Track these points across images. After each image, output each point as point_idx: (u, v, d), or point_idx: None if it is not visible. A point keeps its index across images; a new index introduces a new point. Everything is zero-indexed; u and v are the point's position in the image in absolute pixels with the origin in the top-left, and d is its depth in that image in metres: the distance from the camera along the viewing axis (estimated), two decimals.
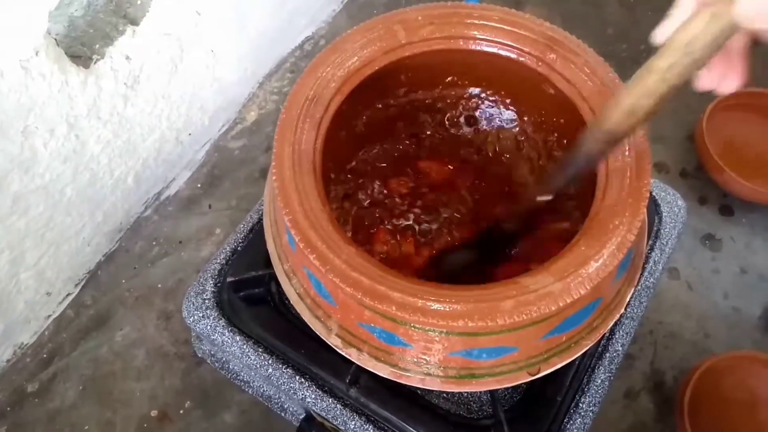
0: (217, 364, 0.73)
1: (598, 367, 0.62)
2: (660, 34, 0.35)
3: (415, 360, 0.47)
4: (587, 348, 0.49)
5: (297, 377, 0.61)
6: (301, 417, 0.69)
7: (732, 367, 0.80)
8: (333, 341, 0.49)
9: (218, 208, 0.97)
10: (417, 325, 0.44)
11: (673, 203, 0.71)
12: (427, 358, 0.47)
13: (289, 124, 0.49)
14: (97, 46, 0.76)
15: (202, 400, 0.83)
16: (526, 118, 0.63)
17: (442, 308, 0.42)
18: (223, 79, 0.97)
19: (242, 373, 0.71)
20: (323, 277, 0.46)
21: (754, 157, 0.99)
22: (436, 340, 0.45)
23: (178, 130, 0.94)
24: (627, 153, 0.48)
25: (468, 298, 0.43)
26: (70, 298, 0.91)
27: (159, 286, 0.91)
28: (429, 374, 0.47)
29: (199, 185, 1.00)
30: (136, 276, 0.92)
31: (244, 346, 0.63)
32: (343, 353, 0.49)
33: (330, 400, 0.60)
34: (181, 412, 0.83)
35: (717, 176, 0.95)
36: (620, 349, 0.63)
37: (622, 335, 0.63)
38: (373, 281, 0.43)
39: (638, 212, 0.46)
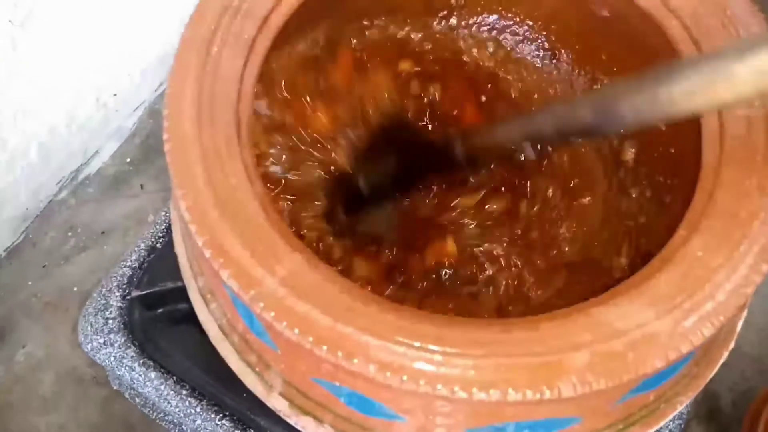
0: (137, 400, 0.56)
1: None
2: None
3: None
4: (683, 406, 0.31)
5: None
6: None
7: None
8: (275, 404, 0.31)
9: (153, 189, 0.80)
10: (413, 393, 0.26)
11: None
12: None
13: (194, 47, 0.30)
14: None
15: None
16: (565, 56, 0.44)
17: (460, 368, 0.23)
18: (158, 23, 0.78)
19: (169, 415, 0.53)
20: (251, 305, 0.27)
21: None
22: (446, 413, 0.27)
23: (98, 89, 0.75)
24: None
25: (506, 347, 0.24)
26: None
27: (75, 289, 0.74)
28: None
29: (128, 160, 0.82)
30: (46, 276, 0.75)
31: (162, 387, 0.46)
32: (292, 423, 0.30)
33: None
34: None
35: None
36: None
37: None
38: (334, 318, 0.24)
39: None
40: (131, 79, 0.79)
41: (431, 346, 0.23)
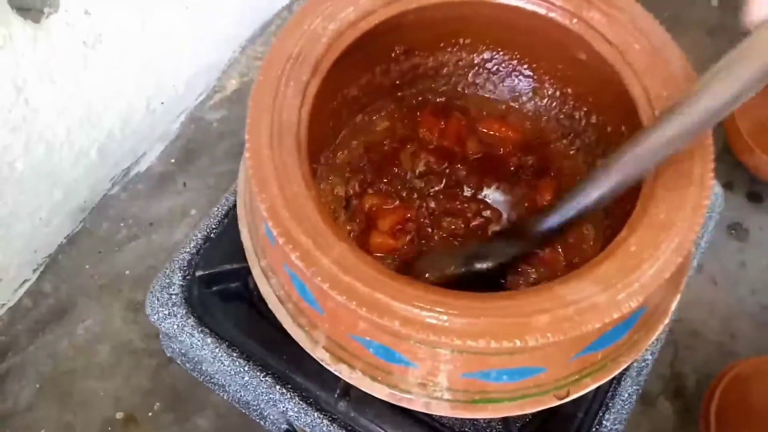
0: (188, 365, 0.65)
1: (625, 379, 0.54)
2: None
3: (420, 381, 0.39)
4: (626, 366, 0.41)
5: (277, 387, 0.53)
6: (283, 428, 0.61)
7: (761, 373, 0.73)
8: (319, 355, 0.40)
9: (194, 186, 0.89)
10: (425, 343, 0.36)
11: None
12: (435, 380, 0.39)
13: (267, 88, 0.40)
14: None
15: (173, 401, 0.75)
16: (550, 92, 0.54)
17: (459, 324, 0.33)
18: (200, 41, 0.88)
19: (217, 376, 0.63)
20: (308, 279, 0.37)
21: None
22: (447, 360, 0.37)
23: (148, 98, 0.85)
24: None
25: (491, 311, 0.34)
26: (27, 285, 0.83)
27: (127, 273, 0.83)
28: (436, 398, 0.39)
29: (172, 161, 0.92)
30: (102, 261, 0.84)
31: (217, 350, 0.55)
32: (331, 370, 0.40)
33: (315, 414, 0.52)
34: (150, 414, 0.75)
35: (746, 159, 0.87)
36: (650, 357, 0.55)
37: (653, 342, 0.55)
38: (371, 288, 0.34)
39: (700, 205, 0.37)
40: (176, 89, 0.89)
41: (438, 308, 0.33)
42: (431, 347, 0.36)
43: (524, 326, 0.34)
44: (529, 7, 0.46)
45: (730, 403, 0.70)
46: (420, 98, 0.55)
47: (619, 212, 0.42)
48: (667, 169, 0.39)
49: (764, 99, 0.90)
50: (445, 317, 0.33)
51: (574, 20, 0.44)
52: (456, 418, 0.53)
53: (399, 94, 0.54)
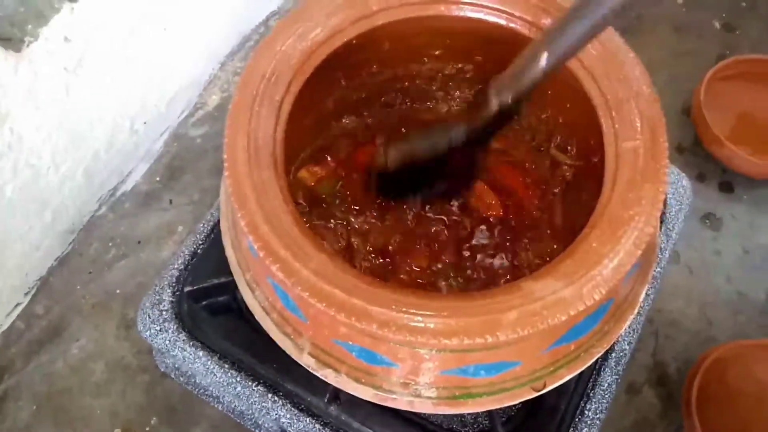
0: (182, 379, 0.66)
1: (604, 369, 0.56)
2: None
3: (402, 381, 0.41)
4: (598, 356, 0.43)
5: (269, 395, 0.55)
6: None
7: (739, 357, 0.75)
8: (305, 361, 0.42)
9: (180, 203, 0.90)
10: (403, 344, 0.38)
11: (678, 184, 0.65)
12: (416, 379, 0.41)
13: (242, 108, 0.42)
14: (30, 26, 0.67)
15: (169, 415, 0.76)
16: None
17: (433, 324, 0.35)
18: (180, 60, 0.89)
19: (210, 388, 0.64)
20: (290, 289, 0.39)
21: (757, 128, 0.93)
22: (426, 359, 0.39)
23: (131, 118, 0.86)
24: (639, 129, 0.42)
25: (462, 310, 0.36)
26: (20, 308, 0.84)
27: (117, 291, 0.84)
28: (419, 396, 0.41)
29: (158, 179, 0.93)
30: (92, 281, 0.85)
31: (208, 362, 0.57)
32: (318, 375, 0.42)
33: (307, 419, 0.54)
34: (147, 429, 0.76)
35: (716, 151, 0.90)
36: (627, 348, 0.57)
37: (629, 332, 0.58)
38: (348, 294, 0.36)
39: (657, 200, 0.39)
40: (158, 108, 0.91)
41: (413, 310, 0.35)
42: (410, 347, 0.38)
43: (495, 323, 0.35)
44: (492, 19, 0.48)
45: (710, 386, 0.73)
46: (392, 108, 0.57)
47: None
48: (624, 169, 0.41)
49: (729, 91, 0.93)
50: (420, 318, 0.35)
51: (533, 29, 0.47)
52: (444, 417, 0.55)
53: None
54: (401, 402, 0.41)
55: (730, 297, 0.82)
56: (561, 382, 0.42)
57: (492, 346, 0.37)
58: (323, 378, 0.42)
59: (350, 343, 0.40)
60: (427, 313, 0.36)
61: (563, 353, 0.42)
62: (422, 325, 0.35)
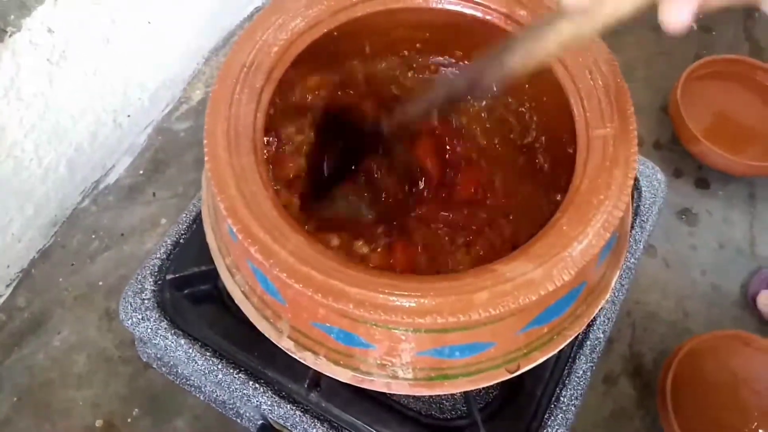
0: (164, 369, 0.67)
1: (579, 357, 0.57)
2: None
3: (379, 362, 0.42)
4: (571, 339, 0.44)
5: (250, 383, 0.55)
6: (259, 423, 0.63)
7: (713, 348, 0.77)
8: (285, 344, 0.43)
9: (163, 196, 0.91)
10: (379, 324, 0.39)
11: (653, 177, 0.66)
12: (393, 360, 0.41)
13: (223, 95, 0.42)
14: (12, 17, 0.67)
15: (151, 406, 0.77)
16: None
17: (407, 304, 0.36)
18: (165, 54, 0.90)
19: (192, 378, 0.65)
20: (268, 272, 0.40)
21: (732, 126, 0.96)
22: (402, 339, 0.40)
23: (115, 112, 0.86)
24: (610, 118, 0.43)
25: (436, 291, 0.37)
26: (1, 300, 0.84)
27: (100, 283, 0.84)
28: (396, 377, 0.42)
29: (141, 172, 0.93)
30: (75, 273, 0.85)
31: (190, 350, 0.57)
32: (297, 357, 0.43)
33: (288, 406, 0.54)
34: (129, 420, 0.77)
35: (692, 148, 0.92)
36: (602, 336, 0.58)
37: (604, 321, 0.59)
38: (325, 275, 0.37)
39: (625, 185, 0.41)
40: (142, 102, 0.91)
41: (387, 290, 0.36)
42: (386, 328, 0.39)
43: (467, 302, 0.36)
44: (469, 11, 0.49)
45: (685, 376, 0.74)
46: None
47: None
48: (595, 156, 0.42)
49: (705, 90, 0.95)
50: (394, 298, 0.36)
51: (509, 22, 0.48)
52: (422, 403, 0.56)
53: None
54: (378, 383, 0.42)
55: (706, 290, 0.84)
56: (534, 365, 0.43)
57: (465, 325, 0.38)
58: (302, 360, 0.43)
59: (329, 325, 0.40)
60: (402, 293, 0.36)
61: (536, 335, 0.43)
62: (397, 304, 0.36)
